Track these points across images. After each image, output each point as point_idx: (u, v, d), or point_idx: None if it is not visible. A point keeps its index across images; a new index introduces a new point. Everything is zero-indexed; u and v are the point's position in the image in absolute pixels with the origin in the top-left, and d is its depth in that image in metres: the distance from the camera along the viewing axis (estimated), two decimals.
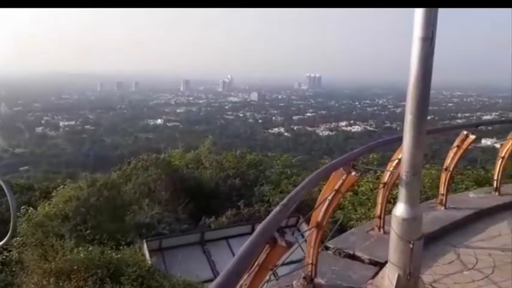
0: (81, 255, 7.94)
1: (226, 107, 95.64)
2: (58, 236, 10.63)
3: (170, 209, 13.76)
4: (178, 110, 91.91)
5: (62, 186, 13.91)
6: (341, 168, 3.01)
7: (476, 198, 5.82)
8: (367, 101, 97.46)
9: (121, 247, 9.62)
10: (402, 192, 2.83)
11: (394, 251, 2.93)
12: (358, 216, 12.05)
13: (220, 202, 14.75)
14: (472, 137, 4.87)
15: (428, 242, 4.36)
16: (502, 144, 6.17)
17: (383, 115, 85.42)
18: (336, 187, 3.07)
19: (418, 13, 2.46)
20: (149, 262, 9.18)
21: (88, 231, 11.21)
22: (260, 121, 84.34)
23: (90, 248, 8.44)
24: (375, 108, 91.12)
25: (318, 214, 3.19)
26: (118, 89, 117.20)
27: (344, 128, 77.82)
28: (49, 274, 7.52)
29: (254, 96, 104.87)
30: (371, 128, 75.38)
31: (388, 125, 75.29)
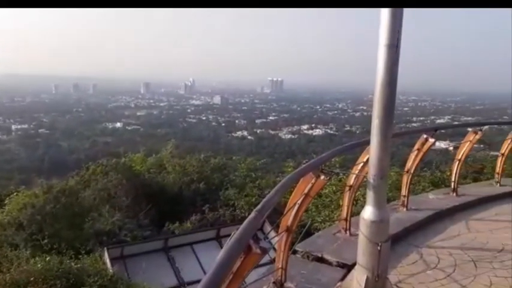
0: (39, 265, 7.51)
1: (189, 110, 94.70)
2: (12, 245, 10.06)
3: (132, 215, 13.35)
4: (138, 113, 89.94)
5: (15, 193, 13.18)
6: (310, 173, 3.03)
7: (435, 199, 6.06)
8: (328, 105, 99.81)
9: (81, 256, 9.22)
10: (370, 195, 2.89)
11: (362, 253, 2.98)
12: (322, 218, 12.23)
13: (184, 207, 14.50)
14: (431, 140, 5.07)
15: (393, 243, 4.48)
16: (457, 147, 6.47)
17: (343, 119, 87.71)
18: (306, 191, 3.09)
19: (383, 21, 2.52)
20: (111, 271, 8.85)
21: (45, 241, 10.66)
22: (223, 124, 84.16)
23: (47, 258, 7.99)
24: (335, 112, 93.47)
25: (288, 218, 3.20)
26: (75, 91, 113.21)
27: (306, 132, 79.17)
28: (3, 286, 7.07)
29: (217, 99, 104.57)
30: (332, 132, 77.19)
31: (348, 128, 77.39)
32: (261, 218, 1.91)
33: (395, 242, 4.52)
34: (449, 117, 77.92)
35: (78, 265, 8.06)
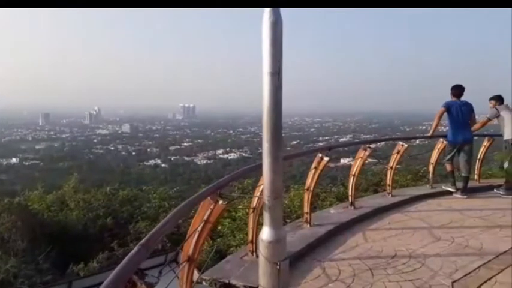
0: None
1: (95, 141, 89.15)
2: None
3: (29, 259, 11.94)
4: (37, 147, 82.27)
5: None
6: (208, 198, 3.03)
7: (336, 214, 6.44)
8: (241, 129, 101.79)
9: None
10: (266, 216, 2.97)
11: (263, 274, 3.02)
12: (237, 242, 12.23)
13: (89, 245, 13.39)
14: (326, 158, 5.42)
15: (297, 260, 4.65)
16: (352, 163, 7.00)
17: (256, 142, 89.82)
18: (205, 217, 3.07)
19: (265, 51, 2.68)
20: None
21: None
22: (134, 153, 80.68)
23: None
24: (248, 135, 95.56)
25: (189, 247, 3.13)
26: None
27: (221, 156, 79.46)
28: None
29: (126, 127, 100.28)
30: (246, 155, 78.49)
31: (261, 151, 79.13)
32: (146, 251, 1.84)
33: (300, 258, 4.69)
34: (350, 135, 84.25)
35: None
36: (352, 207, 6.67)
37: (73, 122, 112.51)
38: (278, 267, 2.91)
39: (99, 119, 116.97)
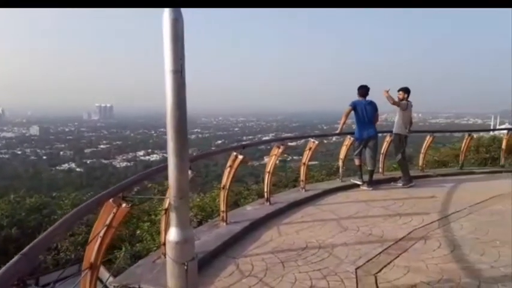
0: None
1: None
2: None
3: None
4: None
5: None
6: (110, 201, 2.90)
7: (252, 210, 6.57)
8: (162, 129, 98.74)
9: None
10: (173, 217, 2.92)
11: (171, 275, 2.98)
12: (157, 246, 11.90)
13: None
14: (240, 157, 5.50)
15: (212, 259, 4.66)
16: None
17: None
18: (107, 222, 2.94)
19: (167, 49, 2.64)
20: None
21: None
22: (45, 157, 74.49)
23: None
24: None
25: (91, 254, 2.97)
26: None
27: (142, 158, 76.53)
28: None
29: (34, 130, 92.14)
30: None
31: None
32: (28, 261, 1.71)
33: (215, 257, 4.71)
34: (273, 134, 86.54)
35: None
36: (268, 203, 6.86)
37: None
38: (186, 267, 2.88)
39: (3, 121, 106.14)
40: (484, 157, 12.15)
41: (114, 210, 2.89)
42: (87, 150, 79.72)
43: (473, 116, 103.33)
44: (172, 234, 2.91)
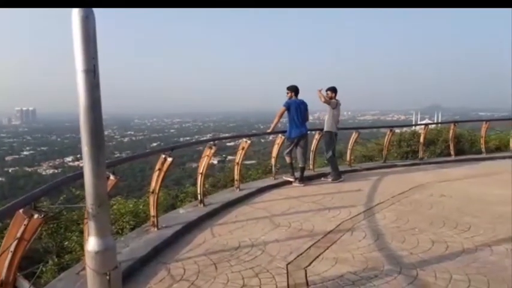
0: None
1: None
2: None
3: None
4: None
5: None
6: (21, 211, 2.67)
7: (185, 213, 6.45)
8: None
9: None
10: (91, 226, 2.75)
11: (92, 287, 2.81)
12: (83, 256, 11.26)
13: None
14: (169, 159, 5.37)
15: (142, 266, 4.50)
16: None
17: (111, 145, 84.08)
18: (19, 235, 2.70)
19: (77, 48, 2.48)
20: None
21: None
22: None
23: None
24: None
25: (1, 270, 2.72)
26: None
27: (71, 164, 71.88)
28: None
29: None
30: None
31: (118, 154, 74.80)
32: None
33: (145, 263, 4.56)
34: (210, 134, 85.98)
35: None
36: (202, 205, 6.78)
37: None
38: (108, 277, 2.74)
39: None
40: (406, 151, 13.05)
41: (25, 222, 2.66)
42: (8, 158, 73.33)
43: (397, 112, 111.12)
44: (92, 244, 2.74)
